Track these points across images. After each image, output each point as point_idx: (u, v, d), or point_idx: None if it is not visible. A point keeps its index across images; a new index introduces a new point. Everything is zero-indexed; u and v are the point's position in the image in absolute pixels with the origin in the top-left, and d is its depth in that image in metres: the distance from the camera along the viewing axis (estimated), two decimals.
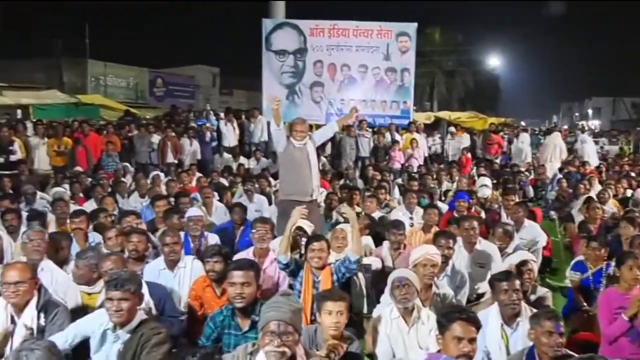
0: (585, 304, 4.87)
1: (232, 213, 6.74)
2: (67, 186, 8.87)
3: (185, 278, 4.85)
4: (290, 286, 4.94)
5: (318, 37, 14.77)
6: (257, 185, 9.04)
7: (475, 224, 5.60)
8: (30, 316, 3.55)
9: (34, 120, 15.36)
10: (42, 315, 3.59)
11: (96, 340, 3.37)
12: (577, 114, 51.03)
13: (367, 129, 14.01)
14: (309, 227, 5.33)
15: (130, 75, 27.98)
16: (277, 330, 2.67)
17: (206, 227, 6.38)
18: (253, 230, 5.32)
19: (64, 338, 3.32)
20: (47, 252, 4.93)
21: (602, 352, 4.08)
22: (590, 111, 48.35)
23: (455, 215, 7.36)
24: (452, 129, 16.60)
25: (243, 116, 15.42)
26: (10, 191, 7.96)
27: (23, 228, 5.99)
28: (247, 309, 3.57)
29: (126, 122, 16.06)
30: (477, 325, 2.97)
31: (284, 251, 4.59)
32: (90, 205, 7.99)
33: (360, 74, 15.23)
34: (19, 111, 15.60)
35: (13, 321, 3.55)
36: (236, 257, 5.02)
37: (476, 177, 11.14)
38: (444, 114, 18.29)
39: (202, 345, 3.72)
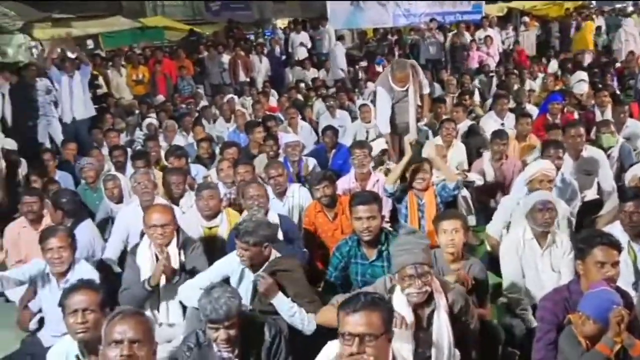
0: None
1: (324, 136, 6.75)
2: (154, 115, 9.06)
3: (295, 206, 4.99)
4: (394, 210, 4.99)
5: None
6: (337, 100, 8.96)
7: (582, 130, 5.35)
8: (172, 254, 3.73)
9: (105, 49, 15.56)
10: (181, 252, 3.81)
11: (235, 279, 3.54)
12: None
13: (436, 29, 13.34)
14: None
15: None
16: (416, 273, 2.65)
17: None
18: (352, 157, 5.31)
19: (208, 280, 3.50)
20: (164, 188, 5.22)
21: None
22: None
23: (549, 118, 7.10)
24: (526, 18, 15.59)
25: (308, 26, 15.05)
26: (112, 126, 8.19)
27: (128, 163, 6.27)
28: (374, 239, 3.65)
29: (192, 42, 16.02)
30: (619, 249, 2.92)
31: (392, 181, 4.61)
32: (179, 135, 8.20)
33: None
34: (89, 41, 15.76)
35: (157, 259, 3.76)
36: (339, 182, 5.10)
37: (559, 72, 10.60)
38: (517, 4, 17.07)
39: (330, 274, 3.88)
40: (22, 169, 6.51)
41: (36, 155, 6.85)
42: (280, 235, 4.16)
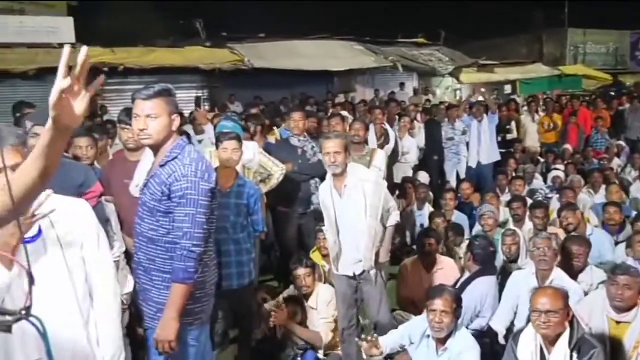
0: None
1: None
2: (561, 167, 7.99)
3: None
4: None
5: None
6: None
7: None
8: (562, 353, 2.86)
9: (520, 95, 15.07)
10: (574, 354, 2.85)
11: None
12: None
13: None
14: None
15: (609, 40, 24.66)
16: None
17: None
18: None
19: None
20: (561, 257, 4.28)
21: None
22: None
23: None
24: None
25: None
26: (514, 173, 7.56)
27: None
28: None
29: (612, 92, 14.06)
30: None
31: None
32: (585, 193, 6.90)
33: None
34: (506, 86, 15.54)
35: (542, 355, 2.94)
36: None
37: None
38: None
39: None
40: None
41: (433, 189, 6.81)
42: None
